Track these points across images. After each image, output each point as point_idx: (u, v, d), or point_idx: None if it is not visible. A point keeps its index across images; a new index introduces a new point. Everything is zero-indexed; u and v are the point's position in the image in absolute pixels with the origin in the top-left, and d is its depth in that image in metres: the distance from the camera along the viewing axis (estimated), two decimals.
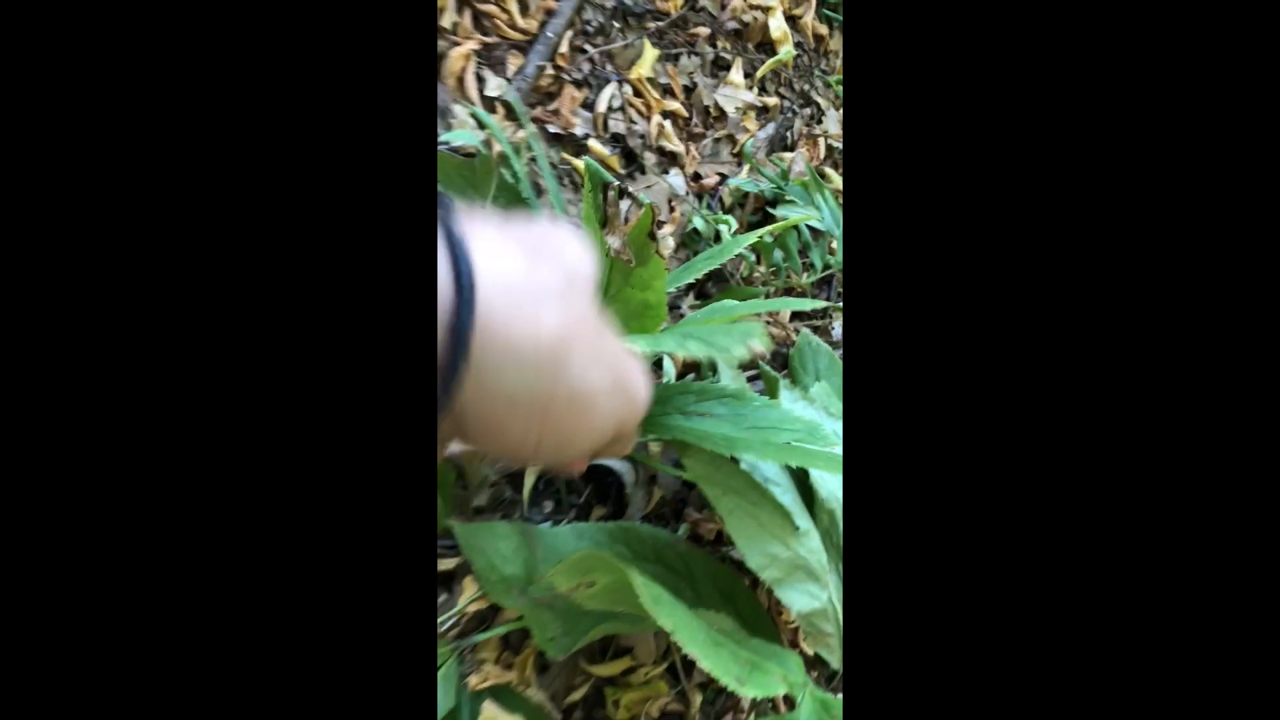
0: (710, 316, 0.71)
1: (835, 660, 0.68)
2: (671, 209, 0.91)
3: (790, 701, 0.61)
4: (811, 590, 0.64)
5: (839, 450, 0.58)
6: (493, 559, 0.65)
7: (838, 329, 1.02)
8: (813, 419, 0.62)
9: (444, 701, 0.63)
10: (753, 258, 0.89)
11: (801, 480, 0.71)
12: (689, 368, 0.87)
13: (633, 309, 0.61)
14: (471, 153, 0.78)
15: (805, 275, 0.90)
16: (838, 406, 0.82)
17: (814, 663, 0.91)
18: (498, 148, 0.77)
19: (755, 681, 0.53)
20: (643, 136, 0.90)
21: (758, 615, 0.70)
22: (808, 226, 0.87)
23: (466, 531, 0.66)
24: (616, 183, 0.83)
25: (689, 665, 0.83)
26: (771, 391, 0.80)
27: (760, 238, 0.63)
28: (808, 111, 1.09)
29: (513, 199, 0.71)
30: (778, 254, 0.83)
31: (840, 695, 0.63)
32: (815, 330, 0.99)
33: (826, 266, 0.91)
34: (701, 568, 0.71)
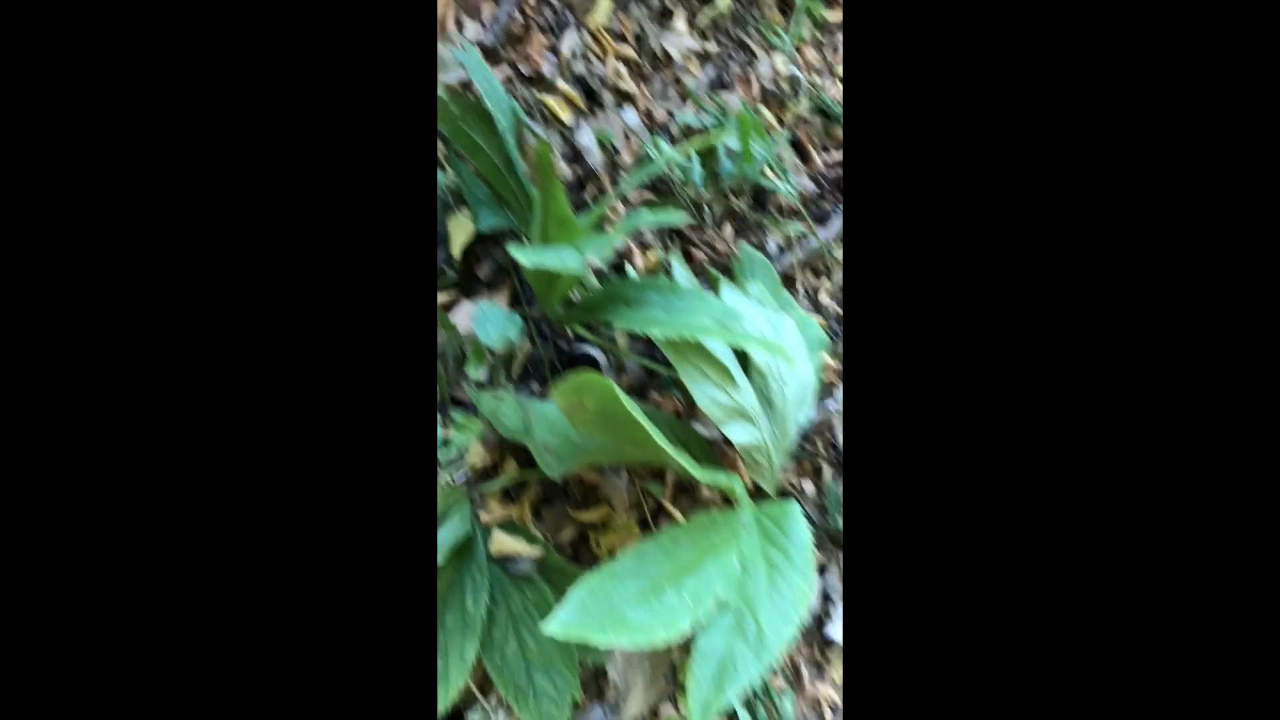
0: (629, 225, 0.87)
1: (770, 487, 0.88)
2: (628, 140, 1.06)
3: (730, 503, 0.80)
4: (748, 428, 0.83)
5: (750, 329, 0.75)
6: (500, 418, 0.82)
7: (772, 243, 1.20)
8: (731, 306, 0.79)
9: (461, 531, 0.80)
10: (682, 175, 1.06)
11: (742, 355, 0.89)
12: (651, 270, 1.04)
13: (554, 224, 0.77)
14: (455, 88, 0.92)
15: (711, 188, 1.08)
16: (770, 300, 1.00)
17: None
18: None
19: (708, 474, 0.72)
20: (601, 78, 1.05)
21: (708, 454, 0.89)
22: (725, 148, 1.05)
23: (477, 396, 0.83)
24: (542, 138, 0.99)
25: (657, 514, 1.01)
26: (714, 287, 0.98)
27: (685, 154, 0.80)
28: (743, 56, 1.26)
29: (488, 129, 0.85)
30: (697, 171, 1.01)
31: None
32: (752, 244, 1.17)
33: (740, 179, 1.09)
34: (664, 420, 0.89)
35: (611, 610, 0.63)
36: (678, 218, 0.67)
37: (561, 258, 0.68)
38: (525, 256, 0.67)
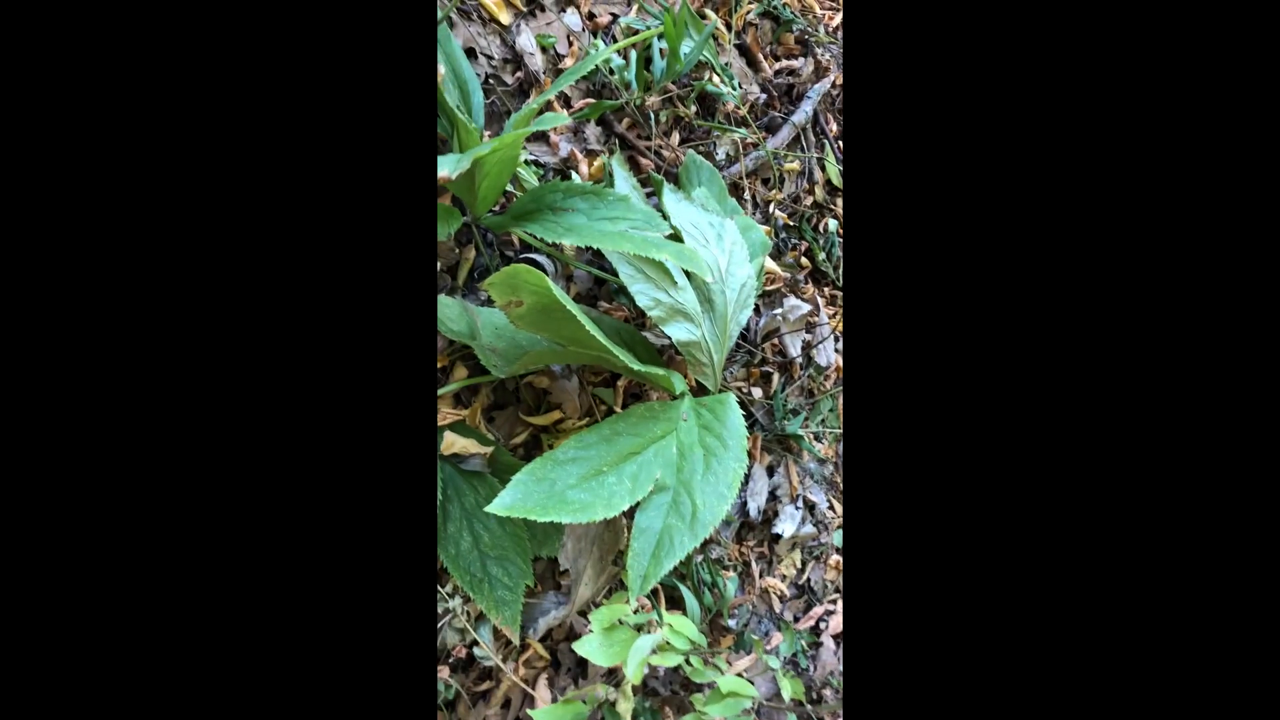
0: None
1: (711, 385, 0.91)
2: (571, 44, 1.04)
3: (672, 397, 0.84)
4: (688, 327, 0.86)
5: (662, 234, 0.76)
6: (445, 321, 0.83)
7: (721, 152, 1.20)
8: (648, 210, 0.79)
9: None
10: (618, 77, 1.05)
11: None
12: (596, 177, 1.04)
13: (464, 134, 0.75)
14: None
15: (653, 92, 1.07)
16: (714, 205, 1.01)
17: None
18: None
19: (647, 369, 0.75)
20: None
21: (654, 357, 0.92)
22: (660, 49, 1.03)
23: None
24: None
25: (608, 417, 1.05)
26: (657, 192, 0.99)
27: (607, 56, 0.79)
28: None
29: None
30: (632, 72, 1.00)
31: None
32: (700, 152, 1.17)
33: (673, 79, 1.08)
34: (610, 324, 0.91)
35: (553, 491, 0.66)
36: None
37: (453, 161, 0.67)
38: (443, 164, 0.66)
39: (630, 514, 0.90)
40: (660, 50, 1.04)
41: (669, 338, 0.86)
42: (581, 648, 0.64)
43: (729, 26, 1.24)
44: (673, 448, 0.74)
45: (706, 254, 0.90)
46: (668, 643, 0.64)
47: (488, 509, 0.63)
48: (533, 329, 0.74)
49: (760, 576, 1.22)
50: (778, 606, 1.25)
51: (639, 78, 1.02)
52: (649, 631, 0.63)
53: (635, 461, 0.71)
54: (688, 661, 0.66)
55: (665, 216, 0.96)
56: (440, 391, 0.90)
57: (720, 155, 1.20)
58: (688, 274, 0.88)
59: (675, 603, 1.03)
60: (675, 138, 1.14)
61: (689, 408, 0.81)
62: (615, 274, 1.07)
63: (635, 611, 0.65)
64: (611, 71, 1.04)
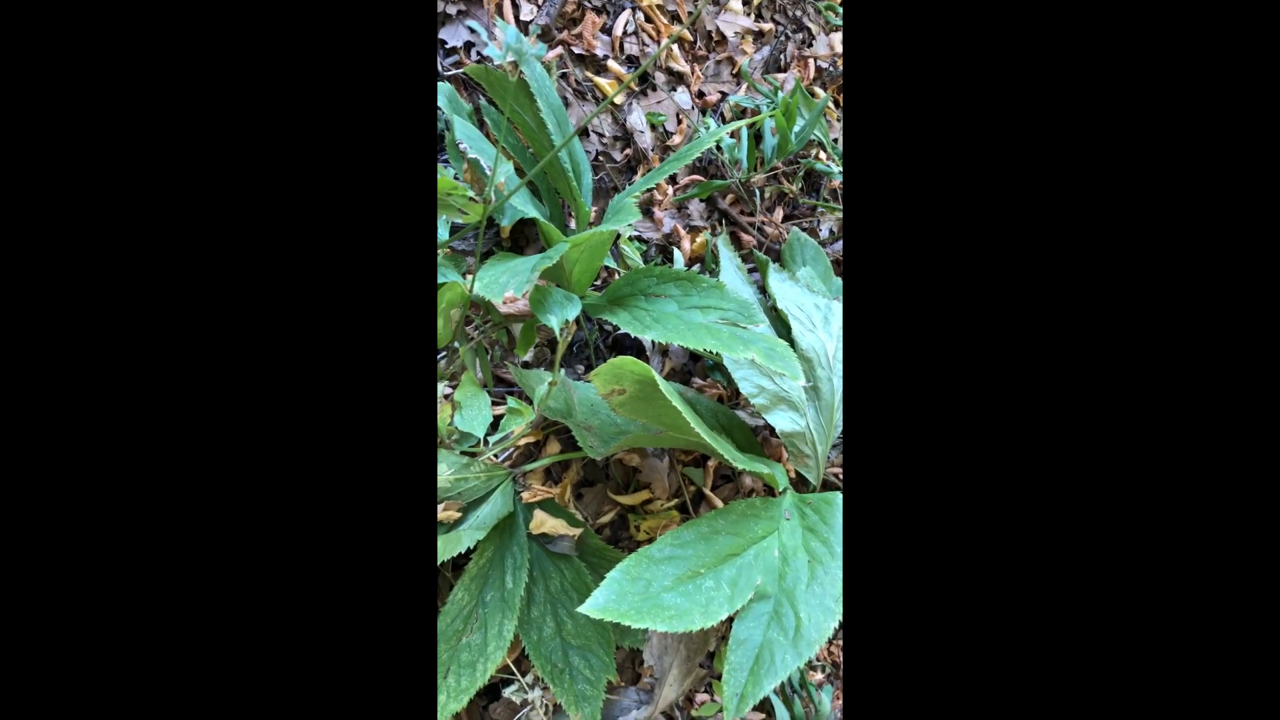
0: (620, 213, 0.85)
1: (814, 478, 0.86)
2: (680, 122, 1.05)
3: (772, 493, 0.79)
4: (792, 416, 0.81)
5: (763, 327, 0.71)
6: (542, 394, 0.82)
7: (825, 229, 1.17)
8: (746, 298, 0.75)
9: (503, 508, 0.81)
10: (728, 155, 1.04)
11: (789, 339, 0.87)
12: (695, 258, 1.03)
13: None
14: (503, 68, 0.92)
15: (760, 171, 1.05)
16: (819, 285, 0.98)
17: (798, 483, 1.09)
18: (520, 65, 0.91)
19: (748, 462, 0.70)
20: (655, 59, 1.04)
21: (750, 441, 0.88)
22: (771, 128, 1.02)
23: (521, 374, 0.84)
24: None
25: (697, 500, 1.01)
26: (761, 272, 0.96)
27: (719, 137, 0.78)
28: (800, 36, 1.22)
29: (531, 114, 0.84)
30: (744, 150, 0.99)
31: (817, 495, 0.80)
32: (803, 229, 1.14)
33: (784, 158, 1.06)
34: (706, 405, 0.88)
35: (648, 594, 0.62)
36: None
37: (493, 279, 0.66)
38: (480, 279, 0.65)
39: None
40: (770, 129, 1.03)
41: (763, 418, 0.82)
42: None
43: (837, 104, 1.22)
44: (774, 551, 0.69)
45: (814, 339, 0.87)
46: None
47: (580, 610, 0.60)
48: (633, 415, 0.72)
49: None
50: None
51: (750, 156, 1.01)
52: None
53: (734, 564, 0.67)
54: None
55: (770, 297, 0.93)
56: (531, 466, 0.88)
57: (824, 232, 1.17)
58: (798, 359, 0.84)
59: (759, 707, 0.95)
60: (779, 214, 1.12)
61: (792, 505, 0.76)
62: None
63: None
64: (719, 149, 1.04)
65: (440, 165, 0.87)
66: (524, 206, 0.82)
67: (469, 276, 0.71)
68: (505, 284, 0.58)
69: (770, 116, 0.94)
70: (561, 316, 0.66)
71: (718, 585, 0.64)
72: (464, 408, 0.64)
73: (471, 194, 0.55)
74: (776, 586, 0.66)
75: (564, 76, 0.95)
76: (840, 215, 1.17)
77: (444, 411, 0.71)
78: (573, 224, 0.90)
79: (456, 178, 0.84)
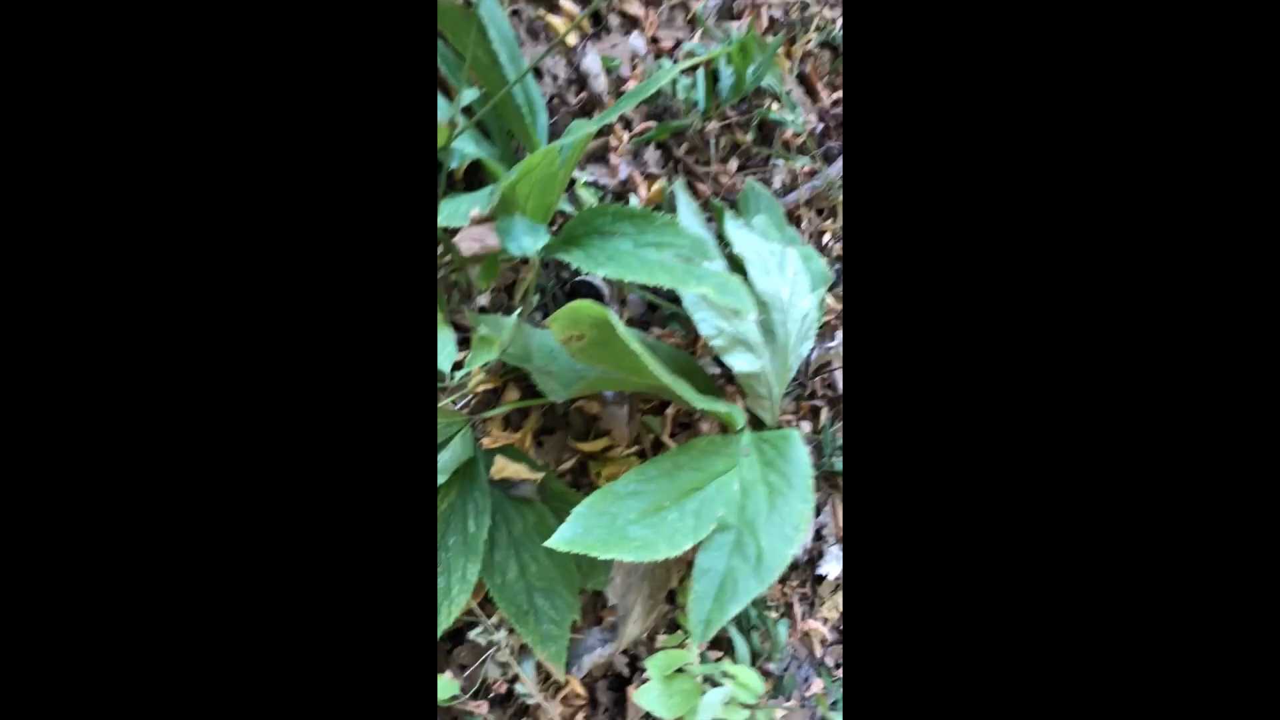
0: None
1: (769, 419, 0.88)
2: (634, 67, 1.03)
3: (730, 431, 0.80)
4: (749, 358, 0.83)
5: (718, 266, 0.71)
6: (510, 328, 0.81)
7: (777, 181, 1.18)
8: (700, 235, 0.75)
9: (463, 454, 0.81)
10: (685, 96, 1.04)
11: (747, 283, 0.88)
12: (652, 205, 1.02)
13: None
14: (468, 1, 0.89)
15: (714, 117, 1.05)
16: (774, 233, 0.99)
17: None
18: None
19: (708, 402, 0.72)
20: (608, 0, 1.01)
21: (709, 385, 0.89)
22: (726, 71, 1.02)
23: (477, 318, 0.82)
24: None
25: (655, 448, 1.02)
26: (717, 218, 0.96)
27: (674, 75, 0.77)
28: None
29: (484, 50, 0.81)
30: (701, 92, 0.99)
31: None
32: (759, 178, 1.15)
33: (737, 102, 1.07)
34: (665, 350, 0.89)
35: (614, 527, 0.63)
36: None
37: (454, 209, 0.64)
38: (441, 210, 0.63)
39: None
40: (724, 74, 1.03)
41: (720, 366, 0.83)
42: (642, 697, 0.60)
43: (789, 55, 1.23)
44: (735, 484, 0.71)
45: (769, 283, 0.88)
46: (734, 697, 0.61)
47: (547, 543, 0.61)
48: (592, 361, 0.72)
49: (802, 619, 1.17)
50: (819, 651, 1.19)
51: (708, 97, 1.00)
52: (715, 683, 0.60)
53: (697, 498, 0.68)
54: (753, 718, 0.62)
55: (727, 243, 0.93)
56: (491, 414, 0.88)
57: (776, 184, 1.18)
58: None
59: (717, 644, 0.99)
60: (733, 165, 1.12)
61: (750, 443, 0.78)
62: (669, 299, 1.05)
63: (700, 659, 0.61)
64: (674, 94, 1.03)
65: None
66: (473, 148, 0.80)
67: None
68: (467, 211, 0.57)
69: (726, 53, 0.93)
70: (530, 245, 0.65)
71: (681, 517, 0.66)
72: None
73: None
74: (737, 518, 0.68)
75: (515, 14, 0.92)
76: (796, 166, 1.18)
77: None
78: None
79: None
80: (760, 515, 0.68)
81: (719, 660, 0.81)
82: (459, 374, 0.70)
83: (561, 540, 0.61)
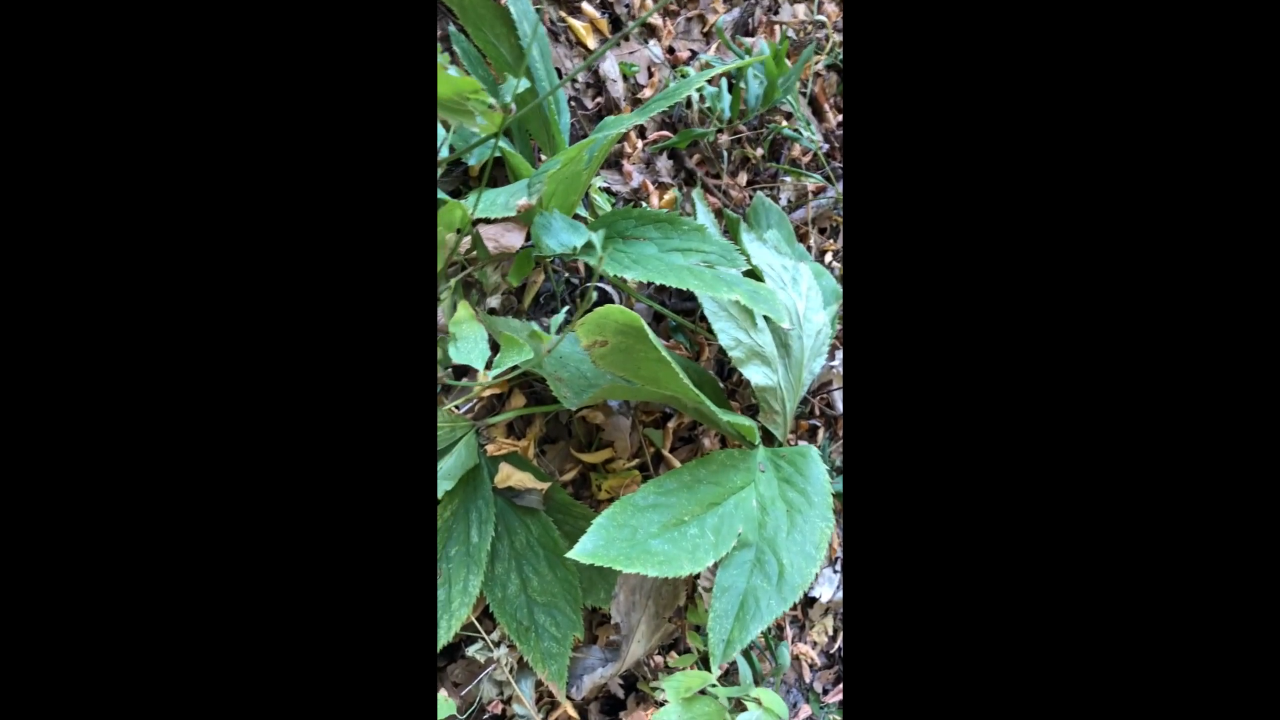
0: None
1: (780, 434, 0.87)
2: (651, 74, 1.02)
3: (746, 445, 0.79)
4: (766, 371, 0.81)
5: (740, 271, 0.70)
6: (513, 349, 0.78)
7: (784, 197, 1.18)
8: (725, 243, 0.74)
9: (468, 461, 0.77)
10: (710, 105, 1.03)
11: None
12: (666, 209, 1.01)
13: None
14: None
15: (728, 132, 1.05)
16: (786, 248, 0.98)
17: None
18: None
19: (729, 417, 0.70)
20: (628, 6, 1.00)
21: (722, 398, 0.88)
22: (751, 80, 1.02)
23: (490, 322, 0.79)
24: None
25: (656, 461, 1.00)
26: (732, 231, 0.95)
27: (702, 85, 0.76)
28: (767, 2, 1.22)
29: (505, 36, 0.79)
30: (721, 101, 0.98)
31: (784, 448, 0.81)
32: (767, 193, 1.15)
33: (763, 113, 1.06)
34: (680, 361, 0.87)
35: (635, 540, 0.61)
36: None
37: (491, 200, 0.62)
38: (480, 200, 0.61)
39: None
40: (744, 86, 1.02)
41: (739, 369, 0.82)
42: None
43: (800, 75, 1.23)
44: (753, 501, 0.69)
45: (785, 297, 0.87)
46: None
47: (570, 555, 0.58)
48: (612, 367, 0.69)
49: (793, 641, 1.15)
50: (807, 675, 1.17)
51: (734, 106, 0.99)
52: (743, 706, 0.57)
53: (716, 513, 0.66)
54: None
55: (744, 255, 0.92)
56: (495, 420, 0.84)
57: (783, 200, 1.18)
58: (766, 317, 0.84)
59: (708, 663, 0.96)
60: (743, 178, 1.12)
61: (766, 459, 0.76)
62: (676, 310, 1.03)
63: (720, 681, 0.59)
64: (690, 105, 1.02)
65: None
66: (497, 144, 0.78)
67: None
68: (505, 201, 0.55)
69: (759, 61, 0.93)
70: (571, 242, 0.62)
71: (702, 533, 0.64)
72: (460, 339, 0.59)
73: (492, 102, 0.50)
74: (757, 535, 0.66)
75: (536, 12, 0.90)
76: (808, 184, 1.18)
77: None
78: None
79: None
80: (780, 533, 0.66)
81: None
82: (494, 372, 0.67)
83: (583, 552, 0.58)
